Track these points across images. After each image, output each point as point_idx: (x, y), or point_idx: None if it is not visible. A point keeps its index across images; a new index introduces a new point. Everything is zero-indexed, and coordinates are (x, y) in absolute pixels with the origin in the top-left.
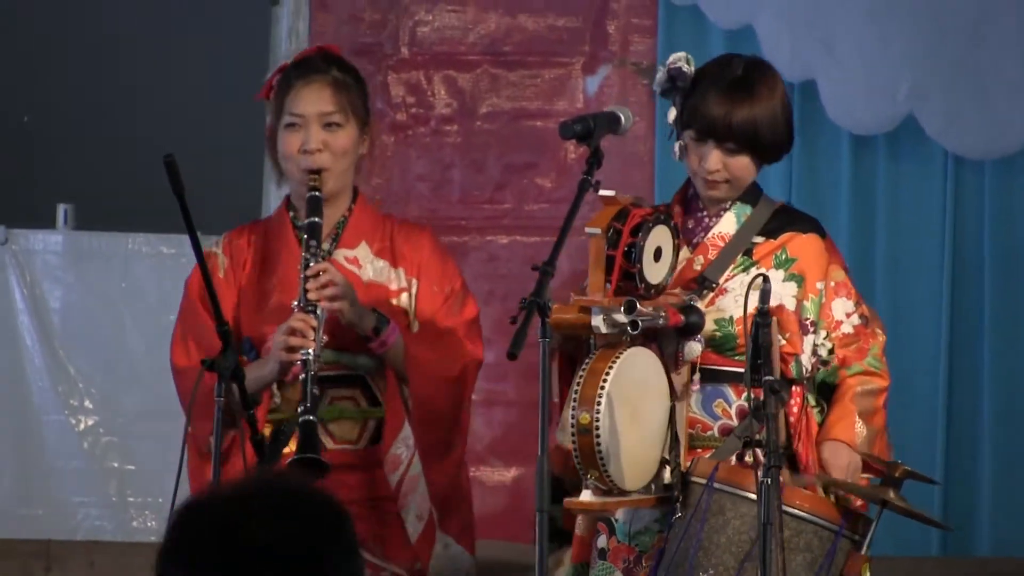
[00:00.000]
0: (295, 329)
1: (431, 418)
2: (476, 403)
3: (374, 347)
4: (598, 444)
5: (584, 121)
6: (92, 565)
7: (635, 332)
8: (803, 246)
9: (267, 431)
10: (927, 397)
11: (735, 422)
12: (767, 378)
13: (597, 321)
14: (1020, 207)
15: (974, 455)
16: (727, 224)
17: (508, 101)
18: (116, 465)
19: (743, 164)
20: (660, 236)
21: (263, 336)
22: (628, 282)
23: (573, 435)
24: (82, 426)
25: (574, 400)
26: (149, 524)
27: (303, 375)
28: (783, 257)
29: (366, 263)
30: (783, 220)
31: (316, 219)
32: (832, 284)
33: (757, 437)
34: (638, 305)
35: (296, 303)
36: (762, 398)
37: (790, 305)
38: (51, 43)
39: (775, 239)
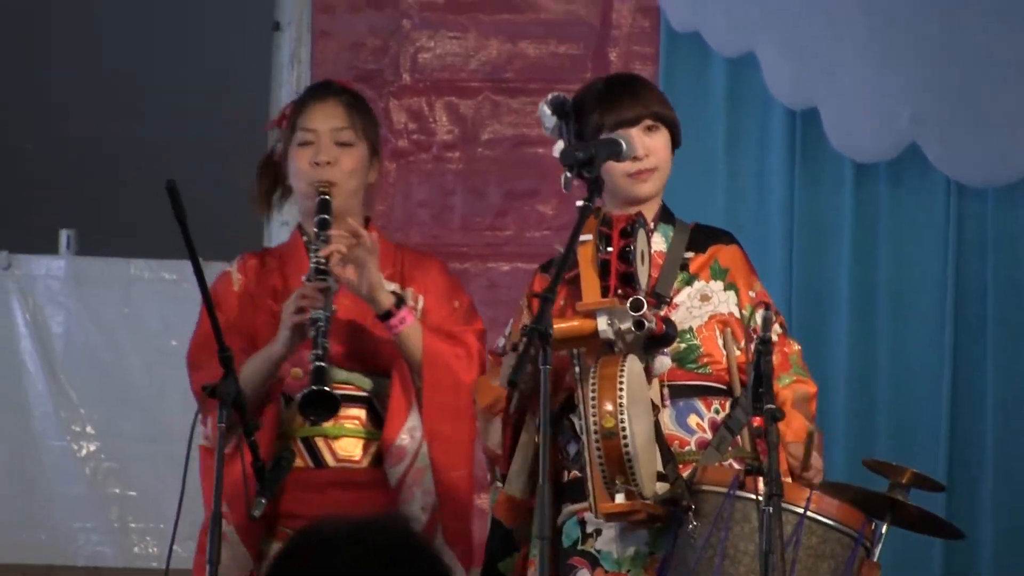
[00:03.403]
0: (304, 295)
1: (446, 409)
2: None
3: (393, 324)
4: (625, 447)
5: (585, 148)
6: None
7: (640, 332)
8: (731, 257)
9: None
10: (930, 426)
11: (710, 435)
12: (768, 406)
13: (603, 325)
14: (1023, 235)
15: (977, 483)
16: (657, 243)
17: (509, 128)
18: (117, 491)
19: (663, 141)
20: (643, 240)
21: None
22: (627, 286)
23: (597, 441)
24: (83, 452)
25: (593, 407)
26: (151, 550)
27: (314, 332)
28: (717, 268)
29: None
30: (705, 234)
31: (326, 216)
32: (754, 295)
33: (760, 463)
34: (645, 303)
35: (305, 277)
36: (760, 424)
37: (737, 314)
38: (53, 70)
39: (704, 252)
